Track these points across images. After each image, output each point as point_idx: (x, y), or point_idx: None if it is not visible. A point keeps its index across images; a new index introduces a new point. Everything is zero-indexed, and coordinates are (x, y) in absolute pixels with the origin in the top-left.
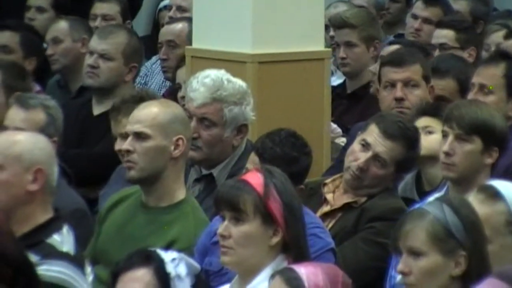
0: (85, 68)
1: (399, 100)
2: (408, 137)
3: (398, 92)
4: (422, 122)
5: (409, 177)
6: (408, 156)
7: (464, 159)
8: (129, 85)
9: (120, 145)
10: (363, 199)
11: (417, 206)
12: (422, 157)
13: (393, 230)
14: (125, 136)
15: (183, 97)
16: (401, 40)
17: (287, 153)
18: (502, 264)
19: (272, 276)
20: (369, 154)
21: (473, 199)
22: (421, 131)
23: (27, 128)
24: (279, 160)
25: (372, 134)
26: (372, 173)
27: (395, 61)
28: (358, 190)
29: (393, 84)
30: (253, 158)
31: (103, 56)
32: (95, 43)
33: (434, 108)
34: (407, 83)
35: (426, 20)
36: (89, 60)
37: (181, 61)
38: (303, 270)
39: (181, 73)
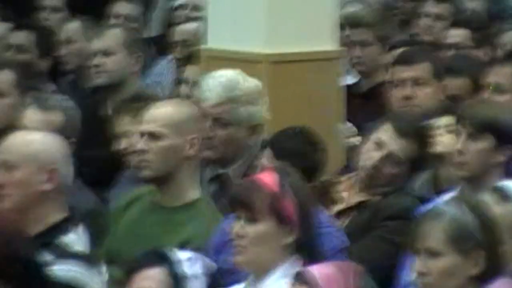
0: (92, 70)
1: (408, 98)
2: (421, 136)
3: (407, 90)
4: (444, 120)
5: (426, 176)
6: (422, 154)
7: (476, 157)
8: (135, 77)
9: (124, 144)
10: (378, 198)
11: (431, 205)
12: (440, 155)
13: (410, 230)
14: (127, 135)
15: (187, 96)
16: (405, 41)
17: (299, 148)
18: None
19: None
20: (383, 153)
21: (486, 199)
22: (442, 129)
23: (45, 129)
24: (291, 155)
25: (386, 132)
26: (386, 172)
27: (404, 60)
28: (372, 189)
29: (402, 83)
30: (267, 152)
31: (105, 52)
32: (95, 43)
33: (452, 107)
34: (415, 82)
35: (437, 17)
36: (93, 61)
37: (189, 59)
38: (315, 267)
39: (189, 70)
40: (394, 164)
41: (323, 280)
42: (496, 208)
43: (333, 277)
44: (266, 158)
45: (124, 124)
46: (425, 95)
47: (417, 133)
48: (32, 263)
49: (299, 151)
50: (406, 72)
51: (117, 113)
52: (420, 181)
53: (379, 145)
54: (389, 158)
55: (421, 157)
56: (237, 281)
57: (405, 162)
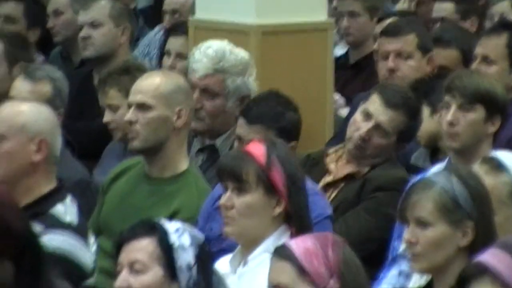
0: (80, 42)
1: (391, 71)
2: (410, 107)
3: (390, 63)
4: None
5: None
6: (410, 125)
7: (467, 128)
8: (124, 48)
9: (108, 117)
10: (366, 169)
11: (420, 176)
12: (427, 144)
13: (400, 200)
14: (114, 108)
15: (170, 67)
16: (394, 12)
17: (271, 109)
18: (506, 235)
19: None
20: (371, 124)
21: (477, 170)
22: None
23: (33, 100)
24: (264, 117)
25: (374, 104)
26: (374, 143)
27: (389, 31)
28: (361, 160)
29: (387, 55)
30: (240, 121)
31: (92, 24)
32: (81, 16)
33: (416, 88)
34: (399, 54)
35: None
36: (81, 34)
37: (172, 29)
38: (292, 241)
39: (172, 41)
40: (382, 135)
41: (301, 254)
42: (487, 179)
43: (312, 250)
44: (240, 128)
45: (110, 97)
46: (409, 68)
47: (405, 104)
48: (27, 235)
49: (270, 113)
50: (390, 44)
51: (103, 84)
52: (418, 151)
53: (367, 116)
54: (377, 129)
55: (409, 128)
56: (224, 249)
57: (393, 133)
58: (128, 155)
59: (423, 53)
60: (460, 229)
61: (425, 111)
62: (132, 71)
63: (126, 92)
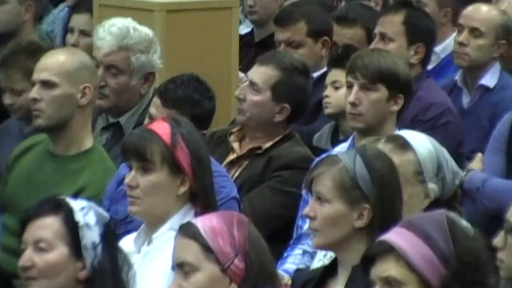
0: None
1: None
2: (279, 60)
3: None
4: (330, 76)
5: (325, 128)
6: (282, 78)
7: (370, 108)
8: (28, 26)
9: (10, 100)
10: (267, 144)
11: (330, 152)
12: (333, 114)
13: (308, 173)
14: (17, 92)
15: (73, 45)
16: None
17: (189, 95)
18: (411, 213)
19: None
20: (246, 83)
21: (382, 149)
22: (329, 87)
23: None
24: (181, 102)
25: (254, 68)
26: (249, 101)
27: (278, 20)
28: (254, 132)
29: (280, 44)
30: (156, 100)
31: None
32: None
33: (341, 59)
34: (289, 44)
35: None
36: None
37: (76, 7)
38: (198, 219)
39: (76, 19)
40: (254, 92)
41: (207, 232)
42: (392, 158)
43: (218, 229)
44: (154, 107)
45: (14, 81)
46: (301, 56)
47: (275, 59)
48: None
49: (188, 99)
50: (280, 34)
51: (7, 66)
52: (320, 133)
53: (249, 82)
54: (250, 87)
55: (281, 82)
56: (130, 231)
57: (265, 88)
58: (27, 135)
59: (315, 39)
60: (356, 210)
61: None
62: (37, 55)
63: (31, 77)
